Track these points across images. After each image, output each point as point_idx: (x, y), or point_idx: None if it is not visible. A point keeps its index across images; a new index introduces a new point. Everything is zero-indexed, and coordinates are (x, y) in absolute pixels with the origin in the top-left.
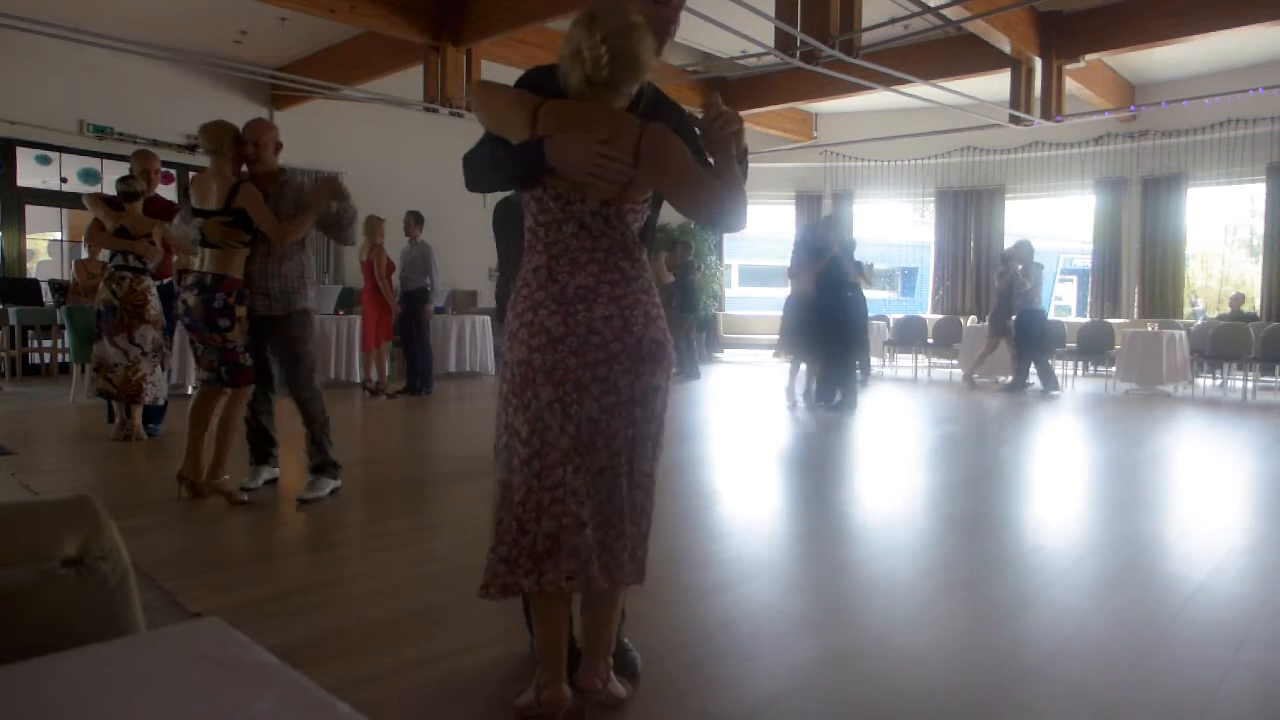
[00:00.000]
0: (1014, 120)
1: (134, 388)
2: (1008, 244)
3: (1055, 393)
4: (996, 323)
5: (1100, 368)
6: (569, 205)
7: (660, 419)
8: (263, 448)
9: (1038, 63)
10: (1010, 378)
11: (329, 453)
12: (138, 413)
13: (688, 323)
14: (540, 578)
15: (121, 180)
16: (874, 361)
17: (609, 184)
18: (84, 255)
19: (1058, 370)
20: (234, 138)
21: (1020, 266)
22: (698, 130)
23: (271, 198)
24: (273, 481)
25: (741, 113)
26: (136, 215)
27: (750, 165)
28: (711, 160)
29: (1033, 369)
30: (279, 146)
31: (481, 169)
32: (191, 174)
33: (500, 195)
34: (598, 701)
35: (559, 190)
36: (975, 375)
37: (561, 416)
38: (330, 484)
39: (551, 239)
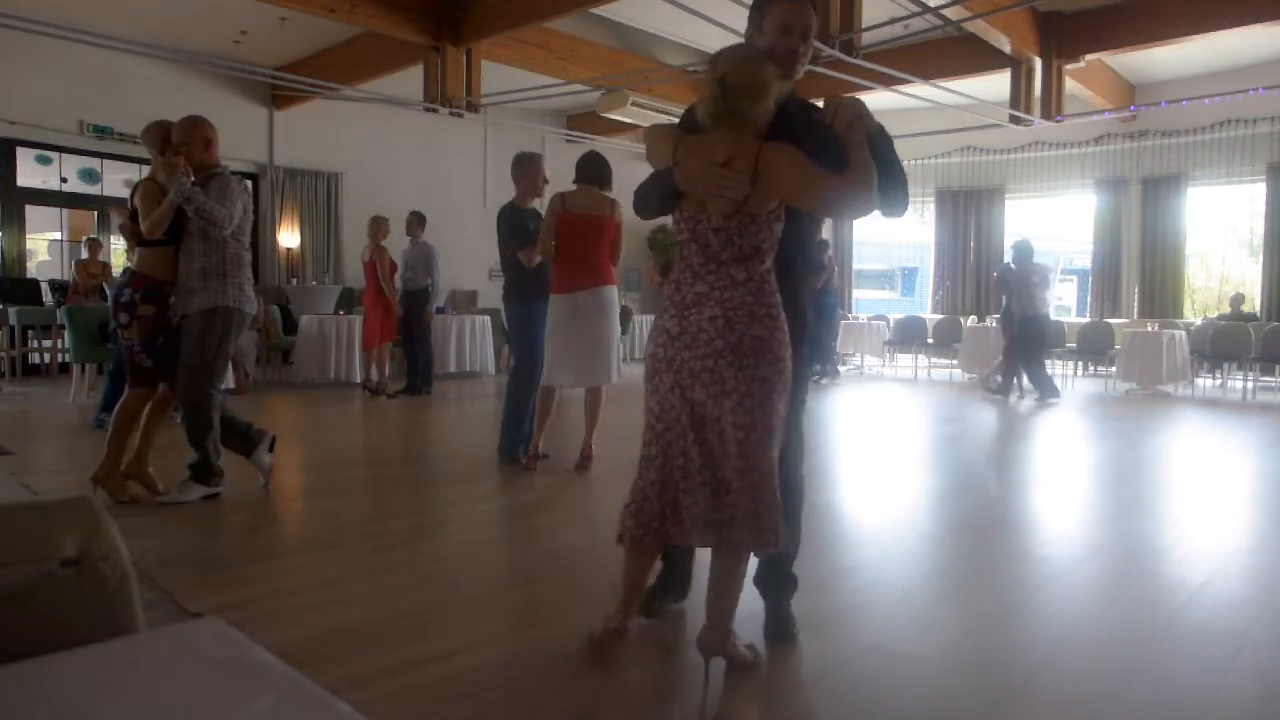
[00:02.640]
0: (1014, 120)
1: None
2: (1008, 244)
3: (1053, 400)
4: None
5: (1100, 368)
6: (696, 224)
7: (769, 407)
8: (241, 440)
9: (1038, 63)
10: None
11: (210, 460)
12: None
13: None
14: (659, 531)
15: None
16: (873, 361)
17: (727, 200)
18: (84, 256)
19: (1058, 371)
20: (165, 138)
21: (1012, 266)
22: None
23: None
24: (270, 447)
25: None
26: None
27: None
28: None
29: (1024, 375)
30: (208, 143)
31: (640, 199)
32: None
33: (504, 200)
34: (723, 656)
35: (689, 211)
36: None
37: (680, 399)
38: (201, 489)
39: (684, 255)
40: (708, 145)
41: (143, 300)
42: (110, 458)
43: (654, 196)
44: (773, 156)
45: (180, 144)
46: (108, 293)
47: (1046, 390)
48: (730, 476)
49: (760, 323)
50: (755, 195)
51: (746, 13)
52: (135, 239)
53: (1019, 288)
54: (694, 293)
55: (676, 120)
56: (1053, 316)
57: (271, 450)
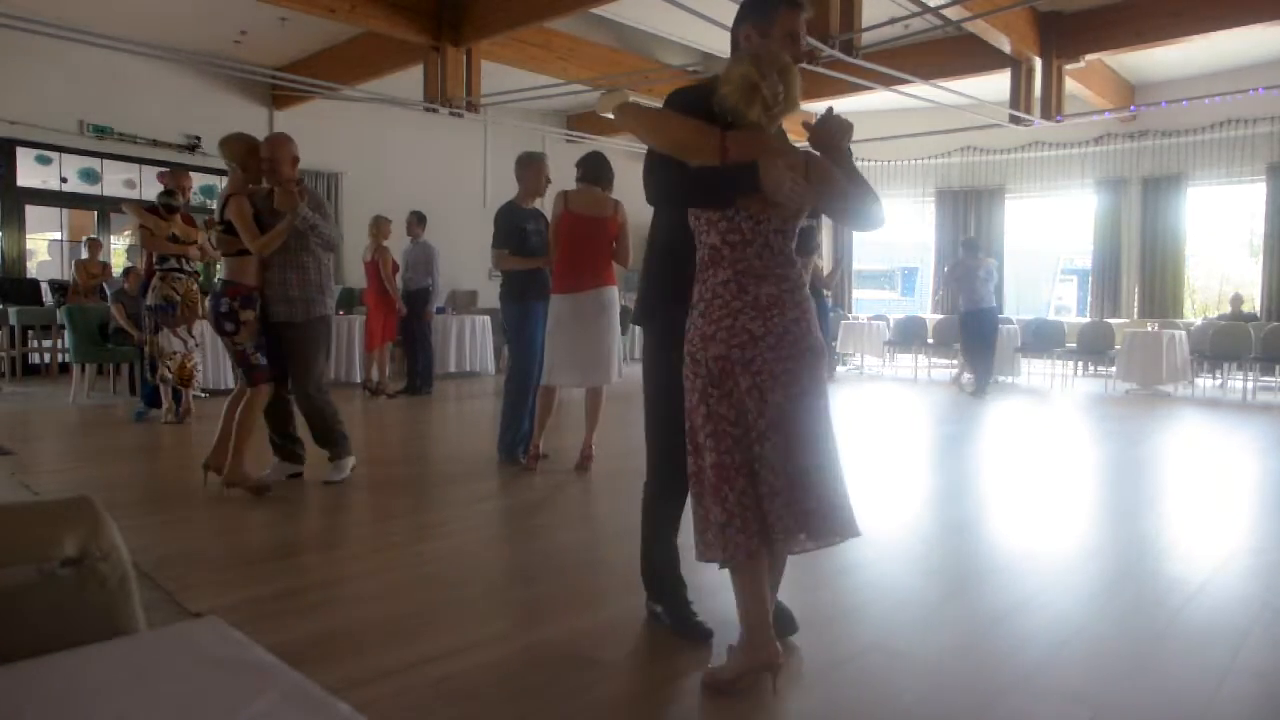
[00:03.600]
0: (1014, 120)
1: (189, 374)
2: (1008, 244)
3: (982, 394)
4: None
5: (1100, 368)
6: (759, 225)
7: (827, 404)
8: (283, 445)
9: (1038, 63)
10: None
11: (342, 443)
12: (189, 394)
13: None
14: (766, 538)
15: (166, 194)
16: (873, 361)
17: (798, 203)
18: (84, 255)
19: (1058, 371)
20: (249, 151)
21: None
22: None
23: (272, 211)
24: (295, 476)
25: None
26: (183, 224)
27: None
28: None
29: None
30: (295, 160)
31: (676, 187)
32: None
33: (503, 200)
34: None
35: (751, 210)
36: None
37: (759, 400)
38: (350, 461)
39: (737, 256)
40: (766, 145)
41: (242, 307)
42: (237, 450)
43: (717, 191)
44: (822, 166)
45: (270, 159)
46: (107, 292)
47: (982, 381)
48: (809, 473)
49: (817, 324)
50: (808, 200)
51: None
52: (224, 250)
53: (966, 281)
54: (765, 294)
55: None
56: (1001, 312)
57: (293, 477)
